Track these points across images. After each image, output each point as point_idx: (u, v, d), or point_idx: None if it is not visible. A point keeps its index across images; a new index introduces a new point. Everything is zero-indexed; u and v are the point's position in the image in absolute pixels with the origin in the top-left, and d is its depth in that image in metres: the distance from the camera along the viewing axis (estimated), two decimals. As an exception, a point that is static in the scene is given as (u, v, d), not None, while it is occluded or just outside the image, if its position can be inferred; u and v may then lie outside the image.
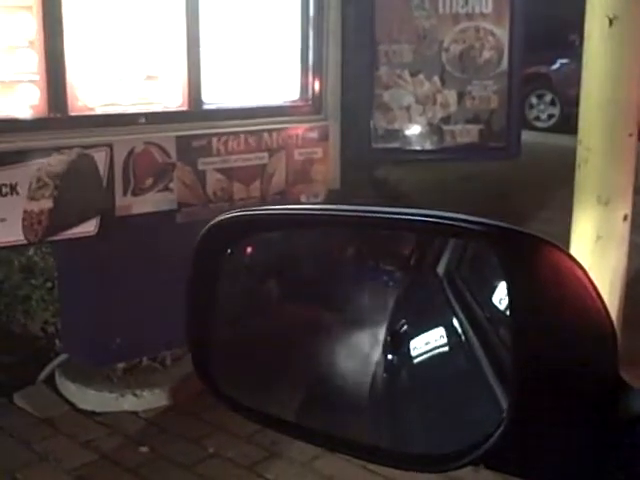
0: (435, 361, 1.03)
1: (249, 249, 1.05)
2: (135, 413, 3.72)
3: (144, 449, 3.43)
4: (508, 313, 0.76)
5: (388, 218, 0.83)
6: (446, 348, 1.05)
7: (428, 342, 1.06)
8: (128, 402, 3.73)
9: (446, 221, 0.77)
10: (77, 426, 3.59)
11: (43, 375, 3.88)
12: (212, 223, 0.92)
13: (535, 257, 0.72)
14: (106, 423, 3.63)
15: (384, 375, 1.06)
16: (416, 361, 1.04)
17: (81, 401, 3.74)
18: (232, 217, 0.93)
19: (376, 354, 1.06)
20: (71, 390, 3.78)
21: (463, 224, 0.76)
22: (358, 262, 1.15)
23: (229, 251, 0.95)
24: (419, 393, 1.01)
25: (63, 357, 3.90)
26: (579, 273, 0.72)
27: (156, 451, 3.42)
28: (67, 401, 3.76)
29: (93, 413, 3.70)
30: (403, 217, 0.82)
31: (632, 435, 0.71)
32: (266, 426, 1.01)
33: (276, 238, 1.06)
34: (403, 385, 1.07)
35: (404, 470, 0.85)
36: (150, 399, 3.75)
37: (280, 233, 1.05)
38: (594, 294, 0.72)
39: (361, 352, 1.09)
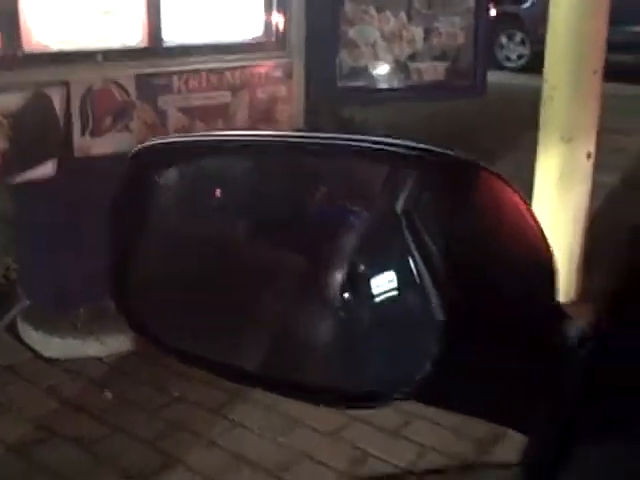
0: (388, 301, 1.00)
1: (186, 179, 0.99)
2: (99, 359, 3.67)
3: (108, 394, 3.40)
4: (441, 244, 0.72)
5: (311, 143, 0.79)
6: (399, 289, 1.01)
7: (383, 283, 1.02)
8: (92, 348, 3.68)
9: (372, 145, 0.73)
10: (40, 373, 3.54)
11: (4, 322, 3.82)
12: (137, 148, 0.86)
13: (468, 183, 0.69)
14: (69, 369, 3.58)
15: (341, 314, 1.03)
16: (370, 301, 1.01)
17: (44, 348, 3.68)
18: (165, 142, 0.87)
19: (333, 294, 1.02)
20: (33, 337, 3.72)
21: (388, 148, 0.72)
22: (326, 202, 1.10)
23: (159, 179, 0.89)
24: (367, 332, 0.98)
25: (25, 303, 3.83)
26: (517, 200, 0.68)
27: (120, 396, 3.39)
28: (30, 348, 3.71)
29: (56, 360, 3.65)
30: (326, 142, 0.77)
31: (567, 366, 0.69)
32: (216, 374, 0.96)
33: (220, 167, 1.00)
34: (356, 325, 1.03)
35: (335, 408, 0.83)
36: (114, 345, 3.70)
37: (224, 161, 0.99)
38: (532, 221, 0.68)
39: (317, 292, 1.04)
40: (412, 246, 1.02)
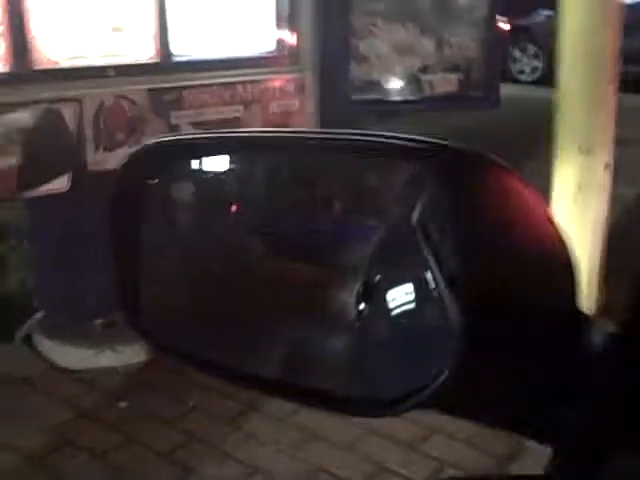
0: (405, 313, 1.00)
1: (188, 180, 0.99)
2: (114, 369, 3.70)
3: (123, 404, 3.43)
4: (451, 244, 0.71)
5: (317, 139, 0.79)
6: (416, 301, 1.01)
7: (400, 295, 1.02)
8: (107, 358, 3.71)
9: (380, 139, 0.72)
10: (55, 384, 3.57)
11: (20, 333, 3.85)
12: (132, 151, 0.85)
13: (480, 177, 0.67)
14: (85, 380, 3.61)
15: (356, 325, 1.03)
16: (387, 313, 1.01)
17: (59, 358, 3.72)
18: (155, 143, 0.86)
19: (350, 305, 1.03)
20: (49, 348, 3.76)
21: (396, 142, 0.72)
22: (342, 215, 1.10)
23: (157, 180, 0.88)
24: (383, 342, 0.98)
25: (40, 315, 3.87)
26: (532, 197, 0.66)
27: (136, 406, 3.41)
28: (45, 359, 3.74)
29: (72, 370, 3.68)
30: (332, 137, 0.77)
31: (590, 374, 0.66)
32: (229, 381, 0.95)
33: (211, 168, 0.99)
34: (373, 335, 1.03)
35: (353, 416, 0.82)
36: (129, 355, 3.73)
37: (214, 163, 0.98)
38: (549, 221, 0.66)
39: (337, 304, 1.04)
40: (428, 255, 1.02)
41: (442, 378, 0.67)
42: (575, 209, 4.12)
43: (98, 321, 3.78)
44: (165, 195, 0.92)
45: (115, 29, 3.38)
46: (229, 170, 1.01)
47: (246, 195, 1.08)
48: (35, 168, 3.16)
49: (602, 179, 4.10)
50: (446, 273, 0.88)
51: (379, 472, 3.01)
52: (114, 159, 3.39)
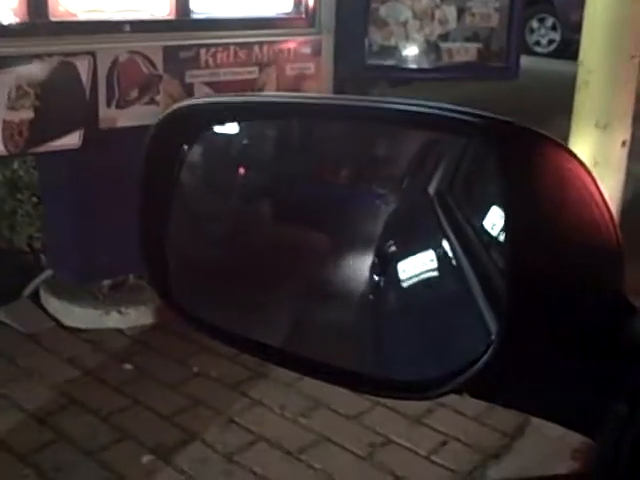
0: (423, 284, 0.96)
1: (214, 145, 0.95)
2: (120, 330, 3.69)
3: (128, 367, 3.41)
4: (502, 222, 0.67)
5: (365, 107, 0.74)
6: (435, 271, 0.98)
7: (416, 264, 0.99)
8: (113, 319, 3.70)
9: (435, 111, 0.68)
10: (61, 342, 3.56)
11: (28, 291, 3.84)
12: (167, 111, 0.81)
13: (536, 154, 0.63)
14: (91, 340, 3.60)
15: (370, 297, 1.00)
16: (403, 284, 0.97)
17: (66, 317, 3.70)
18: (191, 105, 0.82)
19: (363, 276, 0.99)
20: (56, 306, 3.74)
21: (453, 114, 0.67)
22: (350, 183, 1.07)
23: (188, 146, 0.85)
24: (404, 317, 0.95)
25: (48, 273, 3.84)
26: (585, 177, 0.62)
27: (140, 369, 3.40)
28: (52, 317, 3.73)
29: (78, 330, 3.67)
30: (382, 106, 0.73)
31: (636, 364, 0.63)
32: (241, 349, 0.92)
33: (246, 133, 0.96)
34: (389, 308, 1.00)
35: (384, 397, 0.77)
36: (135, 317, 3.71)
37: (252, 128, 0.95)
38: (601, 202, 0.62)
39: (348, 273, 1.01)
40: (447, 226, 0.98)
41: (480, 364, 0.64)
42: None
43: (106, 282, 3.76)
44: (195, 159, 0.88)
45: (134, -17, 3.31)
46: (259, 135, 0.98)
47: (273, 161, 1.05)
48: (47, 123, 3.11)
49: (618, 156, 4.04)
50: (479, 252, 0.84)
51: (383, 444, 3.00)
52: (126, 116, 3.34)
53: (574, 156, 0.63)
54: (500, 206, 0.70)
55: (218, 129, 0.91)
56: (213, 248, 1.03)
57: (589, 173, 0.63)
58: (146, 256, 0.88)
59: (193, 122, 0.85)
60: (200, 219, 1.01)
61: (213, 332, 0.88)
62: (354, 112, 0.79)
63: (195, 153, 0.88)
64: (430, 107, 0.69)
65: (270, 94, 0.94)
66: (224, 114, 0.87)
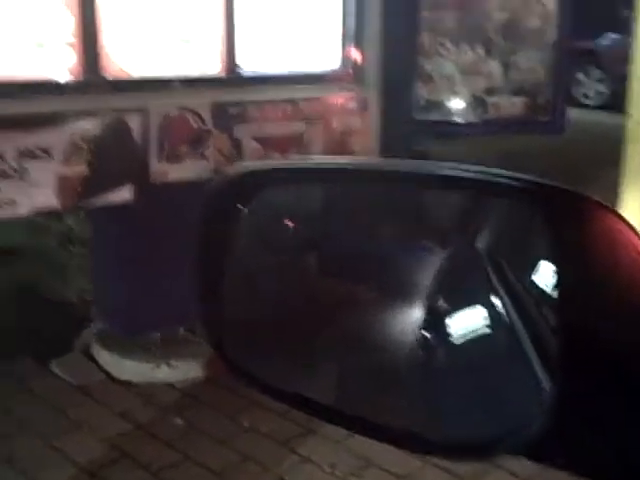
0: (473, 341, 0.96)
1: (268, 208, 0.97)
2: (170, 384, 3.69)
3: (179, 421, 3.41)
4: (554, 287, 0.68)
5: (422, 173, 0.75)
6: (485, 327, 0.97)
7: (466, 320, 0.98)
8: (164, 373, 3.71)
9: (490, 177, 0.69)
10: (112, 395, 3.58)
11: (79, 343, 3.88)
12: (224, 175, 0.84)
13: (586, 219, 0.64)
14: (142, 393, 3.61)
15: (420, 354, 0.99)
16: (454, 340, 0.97)
17: (117, 370, 3.73)
18: (247, 169, 0.84)
19: (412, 332, 0.99)
20: (107, 359, 3.77)
21: (507, 180, 0.68)
22: (396, 236, 1.08)
23: (244, 207, 0.87)
24: (455, 374, 0.94)
25: (99, 325, 3.88)
26: (634, 239, 0.63)
27: (191, 423, 3.39)
28: (103, 370, 3.75)
29: (128, 383, 3.68)
30: (441, 172, 0.74)
31: None
32: (287, 404, 0.92)
33: (300, 195, 0.98)
34: (439, 365, 0.99)
35: (438, 458, 0.77)
36: (186, 370, 3.72)
37: (305, 190, 0.97)
38: None
39: (397, 330, 1.01)
40: (499, 284, 0.98)
41: (535, 425, 0.64)
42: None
43: (156, 335, 3.79)
44: (250, 218, 0.91)
45: (184, 42, 3.40)
46: (310, 195, 1.00)
47: (324, 219, 1.07)
48: (100, 177, 3.18)
49: (669, 209, 3.99)
50: (531, 314, 0.83)
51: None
52: (176, 170, 3.41)
53: (622, 219, 0.64)
54: (551, 265, 0.70)
55: (272, 191, 0.93)
56: (265, 304, 1.05)
57: (638, 235, 0.64)
58: (201, 310, 0.90)
59: (249, 184, 0.87)
60: (253, 275, 1.03)
61: (263, 387, 0.89)
62: (403, 177, 0.80)
63: (250, 213, 0.90)
64: (478, 172, 0.70)
65: (322, 158, 0.98)
66: (278, 177, 0.90)
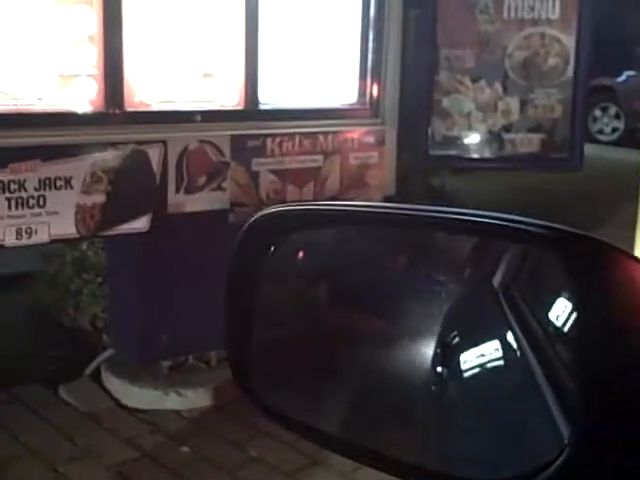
0: (488, 377, 0.96)
1: (295, 248, 1.00)
2: (178, 412, 3.70)
3: (185, 449, 3.41)
4: (573, 329, 0.69)
5: (443, 218, 0.77)
6: (500, 364, 0.98)
7: (481, 356, 0.99)
8: (172, 401, 3.72)
9: (511, 224, 0.71)
10: (120, 422, 3.59)
11: (89, 369, 3.89)
12: (255, 217, 0.87)
13: (607, 267, 0.65)
14: (149, 421, 3.61)
15: (433, 389, 1.00)
16: (467, 376, 0.98)
17: (125, 397, 3.74)
18: (276, 212, 0.88)
19: (425, 366, 1.00)
20: (116, 386, 3.78)
21: (529, 228, 0.70)
22: (410, 270, 1.09)
23: (272, 248, 0.90)
24: (469, 411, 0.95)
25: (109, 352, 3.90)
26: None
27: (197, 452, 3.39)
28: (112, 397, 3.77)
29: (137, 410, 3.69)
30: (460, 217, 0.75)
31: None
32: (306, 438, 0.94)
33: (325, 237, 1.00)
34: (453, 401, 1.00)
35: None
36: (194, 399, 3.73)
37: (329, 232, 1.00)
38: None
39: (410, 364, 1.02)
40: (512, 319, 0.99)
41: (553, 469, 0.64)
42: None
43: (165, 363, 3.80)
44: (279, 260, 0.93)
45: (205, 75, 3.44)
46: (337, 241, 1.02)
47: (350, 260, 1.09)
48: (117, 207, 3.21)
49: (685, 249, 3.97)
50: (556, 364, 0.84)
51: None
52: (194, 202, 3.43)
53: None
54: (568, 303, 0.72)
55: (300, 233, 0.96)
56: (288, 341, 1.07)
57: None
58: (229, 348, 0.92)
59: (278, 226, 0.90)
60: (278, 313, 1.05)
61: (289, 424, 0.91)
62: (421, 222, 0.82)
63: (279, 254, 0.93)
64: (495, 218, 0.72)
65: (347, 204, 1.00)
66: (304, 220, 0.92)
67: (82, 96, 3.12)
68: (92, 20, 3.09)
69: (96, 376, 3.88)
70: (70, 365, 3.88)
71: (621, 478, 0.65)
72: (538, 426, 0.79)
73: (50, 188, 3.00)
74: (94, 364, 3.90)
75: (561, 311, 0.81)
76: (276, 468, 3.32)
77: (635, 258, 0.65)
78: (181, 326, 3.56)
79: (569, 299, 0.71)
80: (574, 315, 0.69)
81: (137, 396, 3.73)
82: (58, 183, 3.02)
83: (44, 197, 3.00)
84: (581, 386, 0.65)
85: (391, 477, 0.79)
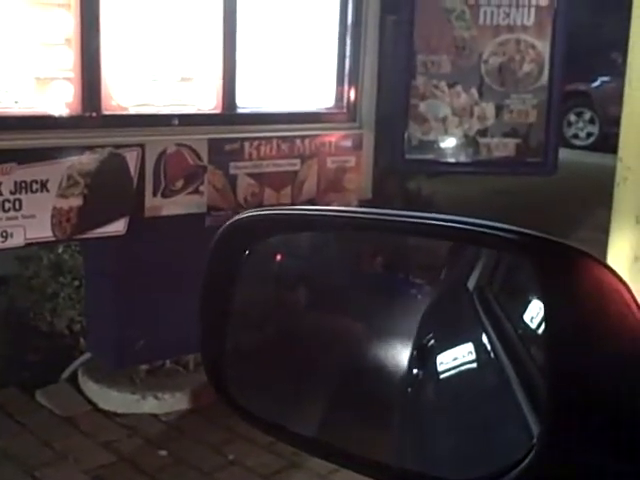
0: (462, 378, 0.98)
1: (271, 252, 1.01)
2: (156, 416, 3.69)
3: (163, 453, 3.41)
4: (543, 331, 0.71)
5: (418, 223, 0.79)
6: (474, 365, 1.00)
7: (455, 358, 1.01)
8: (149, 404, 3.71)
9: (483, 229, 0.73)
10: (97, 426, 3.58)
11: (66, 374, 3.88)
12: (231, 221, 0.88)
13: (576, 272, 0.67)
14: (127, 425, 3.61)
15: (409, 390, 1.02)
16: (442, 377, 1.00)
17: (103, 401, 3.73)
18: (252, 216, 0.89)
19: (401, 368, 1.02)
20: (93, 390, 3.77)
21: (500, 233, 0.72)
22: (387, 272, 1.10)
23: (247, 252, 0.91)
24: (444, 411, 0.96)
25: (87, 356, 3.89)
26: (623, 292, 0.67)
27: (175, 455, 3.39)
28: (89, 401, 3.76)
29: (114, 414, 3.68)
30: (434, 223, 0.77)
31: None
32: (282, 440, 0.95)
33: (301, 241, 1.02)
34: (428, 402, 1.02)
35: None
36: (171, 402, 3.73)
37: (306, 236, 1.01)
38: (638, 315, 0.66)
39: (386, 365, 1.04)
40: (486, 321, 1.01)
41: (522, 467, 0.66)
42: (630, 281, 4.03)
43: (143, 367, 3.79)
44: (253, 266, 0.94)
45: (183, 79, 3.44)
46: (313, 245, 1.03)
47: (321, 264, 1.10)
48: (94, 211, 3.20)
49: (659, 251, 4.01)
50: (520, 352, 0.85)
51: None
52: (171, 205, 3.43)
53: (609, 269, 0.67)
54: (542, 318, 0.73)
55: (274, 237, 0.97)
56: (261, 342, 1.08)
57: (627, 287, 0.67)
58: (203, 350, 0.93)
59: (255, 230, 0.92)
60: (252, 315, 1.06)
61: (262, 425, 0.92)
62: (396, 228, 0.83)
63: (255, 258, 0.94)
64: (468, 224, 0.73)
65: (324, 209, 1.00)
66: (281, 224, 0.93)
67: (59, 99, 3.11)
68: (69, 23, 3.09)
69: (73, 380, 3.87)
70: (47, 369, 3.86)
71: (589, 477, 0.66)
72: (510, 426, 0.80)
73: (26, 191, 3.00)
74: (71, 368, 3.88)
75: (533, 314, 0.83)
76: (253, 471, 3.32)
77: (601, 262, 0.67)
78: (158, 330, 3.56)
79: (540, 302, 0.73)
80: (544, 318, 0.71)
81: (114, 400, 3.72)
82: (34, 186, 3.01)
83: (20, 200, 2.99)
84: (549, 386, 0.67)
85: (367, 478, 0.80)
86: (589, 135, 12.15)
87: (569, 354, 0.65)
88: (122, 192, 3.29)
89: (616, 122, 4.01)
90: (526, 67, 4.64)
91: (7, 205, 2.97)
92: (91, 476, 3.22)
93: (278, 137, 3.74)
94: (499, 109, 4.64)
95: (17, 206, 2.99)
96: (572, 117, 12.19)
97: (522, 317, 0.90)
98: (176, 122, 3.42)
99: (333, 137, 3.95)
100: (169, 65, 3.39)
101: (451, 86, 4.51)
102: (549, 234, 0.71)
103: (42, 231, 3.09)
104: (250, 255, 0.92)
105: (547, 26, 4.56)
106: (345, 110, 4.01)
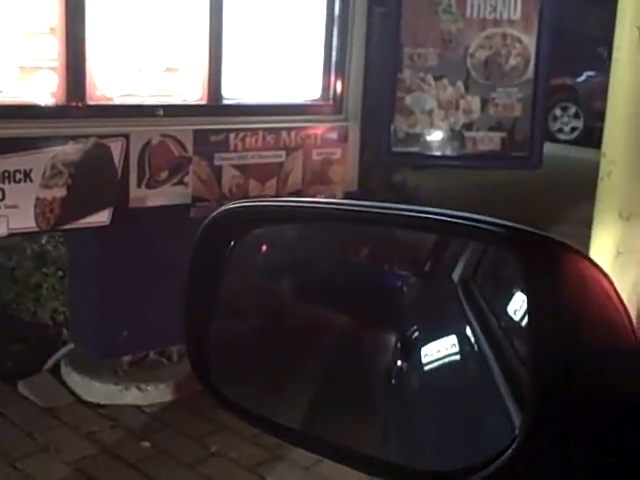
0: (446, 370, 0.99)
1: (256, 243, 1.01)
2: (139, 407, 3.69)
3: (146, 444, 3.40)
4: (526, 323, 0.72)
5: (403, 215, 0.79)
6: (457, 357, 1.00)
7: (439, 350, 1.01)
8: (132, 396, 3.71)
9: (466, 222, 0.73)
10: (80, 417, 3.57)
11: (49, 364, 3.86)
12: (216, 212, 0.88)
13: (558, 264, 0.68)
14: (109, 416, 3.60)
15: (393, 382, 1.02)
16: (426, 369, 1.00)
17: (85, 392, 3.72)
18: (237, 208, 0.89)
19: (386, 360, 1.02)
20: (76, 381, 3.76)
21: (484, 226, 0.72)
22: (371, 264, 1.11)
23: (232, 243, 0.91)
24: (428, 403, 0.97)
25: (69, 347, 3.87)
26: (604, 283, 0.67)
27: (158, 447, 3.39)
28: (71, 392, 3.74)
29: (97, 405, 3.67)
30: (419, 215, 0.77)
31: None
32: (267, 432, 0.96)
33: (286, 233, 1.02)
34: (412, 394, 1.02)
35: None
36: (155, 394, 3.72)
37: (291, 227, 1.01)
38: (620, 306, 0.67)
39: (370, 357, 1.04)
40: (470, 313, 1.01)
41: (504, 458, 0.66)
42: (613, 275, 4.05)
43: (126, 358, 3.78)
44: (240, 254, 0.94)
45: (169, 69, 3.43)
46: (298, 236, 1.03)
47: (307, 255, 1.10)
48: (78, 201, 3.18)
49: (641, 246, 4.04)
50: (502, 342, 0.86)
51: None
52: (156, 196, 3.42)
53: (592, 262, 0.68)
54: (525, 310, 0.73)
55: (261, 228, 0.97)
56: (246, 332, 1.08)
57: (609, 280, 0.67)
58: (187, 340, 0.93)
59: (240, 221, 0.92)
60: (237, 305, 1.06)
61: (246, 416, 0.92)
62: (382, 220, 0.83)
63: (241, 249, 0.94)
64: (453, 216, 0.74)
65: (309, 200, 1.01)
66: (266, 216, 0.93)
67: (43, 89, 3.09)
68: (54, 11, 3.06)
69: (56, 371, 3.86)
70: (29, 360, 3.84)
71: (570, 468, 0.67)
72: (494, 418, 0.81)
73: (9, 181, 2.97)
74: (54, 359, 3.87)
75: (517, 306, 0.83)
76: (237, 462, 3.32)
77: (584, 255, 0.68)
78: (142, 321, 3.55)
79: (523, 294, 0.73)
80: (527, 310, 0.71)
81: (97, 391, 3.71)
82: (17, 176, 2.99)
83: (3, 190, 2.97)
84: (531, 377, 0.67)
85: (352, 470, 0.80)
86: (573, 129, 12.21)
87: (551, 345, 0.66)
88: (106, 183, 3.27)
89: (600, 117, 4.02)
90: (512, 61, 4.65)
91: (-11, 195, 2.95)
92: (73, 467, 3.21)
93: (264, 129, 3.73)
94: (485, 103, 4.64)
95: (0, 196, 2.97)
96: (557, 111, 12.25)
97: (506, 309, 0.90)
98: (161, 113, 3.40)
99: (319, 129, 3.94)
100: (154, 55, 3.38)
101: (437, 79, 4.51)
102: (533, 228, 0.71)
103: (25, 221, 3.07)
104: (235, 246, 0.92)
105: (533, 20, 4.57)
106: (331, 102, 4.00)
